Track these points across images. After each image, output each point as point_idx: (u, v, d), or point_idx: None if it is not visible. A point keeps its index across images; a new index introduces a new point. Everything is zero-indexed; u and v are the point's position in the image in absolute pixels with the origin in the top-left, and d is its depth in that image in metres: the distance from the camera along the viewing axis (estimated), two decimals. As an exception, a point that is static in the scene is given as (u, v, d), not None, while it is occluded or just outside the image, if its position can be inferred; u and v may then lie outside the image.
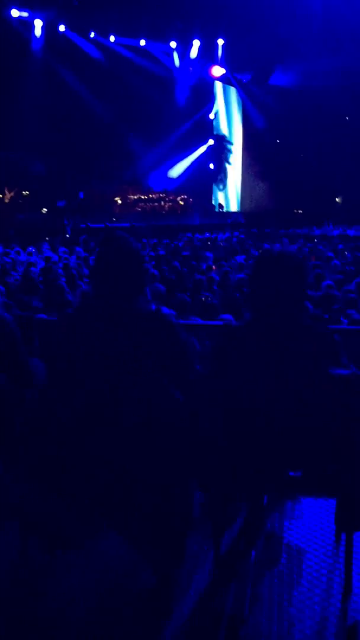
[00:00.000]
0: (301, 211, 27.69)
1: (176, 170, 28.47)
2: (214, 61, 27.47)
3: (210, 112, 28.49)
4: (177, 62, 27.38)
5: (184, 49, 26.80)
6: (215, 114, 28.60)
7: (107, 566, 2.36)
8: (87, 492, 2.22)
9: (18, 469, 2.45)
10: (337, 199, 29.22)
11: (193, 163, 28.33)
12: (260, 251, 2.21)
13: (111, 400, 2.20)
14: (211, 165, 28.78)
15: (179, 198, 27.37)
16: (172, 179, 27.96)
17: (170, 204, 27.34)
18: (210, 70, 27.32)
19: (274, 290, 2.28)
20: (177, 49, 26.91)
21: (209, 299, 7.12)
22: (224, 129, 29.65)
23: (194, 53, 26.77)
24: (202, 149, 28.71)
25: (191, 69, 27.39)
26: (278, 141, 29.80)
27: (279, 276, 2.29)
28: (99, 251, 2.39)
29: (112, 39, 25.62)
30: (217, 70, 27.49)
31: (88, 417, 2.20)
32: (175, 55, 27.23)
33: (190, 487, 2.30)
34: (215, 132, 28.90)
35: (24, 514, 2.41)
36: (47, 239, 17.23)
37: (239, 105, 30.54)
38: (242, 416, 2.26)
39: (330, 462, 2.26)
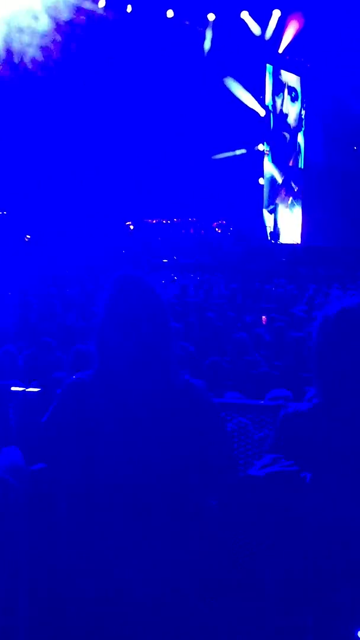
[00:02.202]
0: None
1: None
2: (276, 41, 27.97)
3: (263, 103, 28.94)
4: (207, 44, 28.03)
5: (224, 25, 27.40)
6: (266, 108, 29.13)
7: None
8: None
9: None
10: None
11: (231, 174, 28.24)
12: (331, 304, 2.19)
13: (123, 517, 2.25)
14: (261, 180, 29.14)
15: (214, 224, 27.57)
16: None
17: (201, 231, 27.54)
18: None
19: (352, 364, 2.26)
20: (214, 24, 27.61)
21: (255, 365, 7.11)
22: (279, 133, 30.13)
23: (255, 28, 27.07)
24: (240, 152, 28.84)
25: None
26: (355, 148, 30.00)
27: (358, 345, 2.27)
28: (109, 299, 2.44)
29: (129, 8, 26.63)
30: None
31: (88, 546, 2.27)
32: (208, 35, 27.88)
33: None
34: (269, 135, 29.21)
35: None
36: None
37: (300, 98, 31.15)
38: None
39: None
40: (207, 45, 28.05)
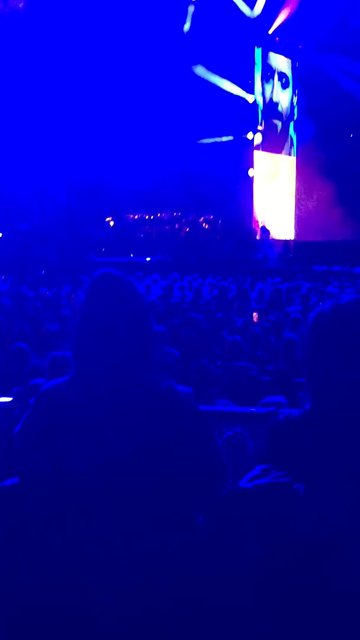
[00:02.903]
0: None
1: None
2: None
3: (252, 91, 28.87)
4: (187, 25, 27.93)
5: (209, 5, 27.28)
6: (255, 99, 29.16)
7: None
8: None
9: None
10: None
11: (219, 166, 28.04)
12: (325, 302, 2.25)
13: (101, 531, 2.26)
14: (251, 172, 29.10)
15: (202, 219, 27.62)
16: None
17: (187, 228, 27.58)
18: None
19: (346, 365, 2.23)
20: (198, 3, 27.47)
21: (248, 370, 7.05)
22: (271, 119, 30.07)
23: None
24: (227, 139, 28.73)
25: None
26: (352, 135, 29.70)
27: (353, 344, 2.23)
28: (85, 300, 2.45)
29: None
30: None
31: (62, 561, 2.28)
32: (191, 10, 27.65)
33: None
34: (261, 122, 29.08)
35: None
36: None
37: (291, 84, 31.13)
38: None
39: None
40: (187, 25, 28.02)
